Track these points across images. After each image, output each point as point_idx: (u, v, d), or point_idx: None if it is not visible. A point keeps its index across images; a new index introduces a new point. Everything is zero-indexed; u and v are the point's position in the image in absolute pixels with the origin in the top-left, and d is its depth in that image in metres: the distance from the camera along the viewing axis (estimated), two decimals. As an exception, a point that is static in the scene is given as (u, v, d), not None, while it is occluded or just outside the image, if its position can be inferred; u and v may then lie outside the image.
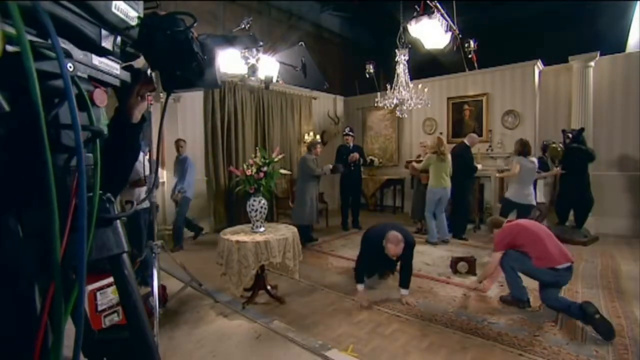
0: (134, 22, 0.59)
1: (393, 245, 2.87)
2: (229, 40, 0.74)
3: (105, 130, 0.62)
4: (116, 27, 0.56)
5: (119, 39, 0.60)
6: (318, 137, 7.31)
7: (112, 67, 0.61)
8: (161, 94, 0.75)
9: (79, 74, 0.52)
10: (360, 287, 3.09)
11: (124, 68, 0.65)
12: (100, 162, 0.56)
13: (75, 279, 0.50)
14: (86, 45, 0.54)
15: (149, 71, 0.71)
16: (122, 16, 0.56)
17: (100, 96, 0.57)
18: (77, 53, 0.53)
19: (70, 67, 0.49)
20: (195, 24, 0.64)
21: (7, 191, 0.49)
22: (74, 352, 0.49)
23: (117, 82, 0.63)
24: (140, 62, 0.70)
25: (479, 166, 5.43)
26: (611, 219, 5.34)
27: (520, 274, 2.88)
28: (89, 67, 0.55)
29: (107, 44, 0.57)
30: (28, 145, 0.47)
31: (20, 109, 0.46)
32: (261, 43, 0.84)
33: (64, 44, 0.50)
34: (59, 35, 0.47)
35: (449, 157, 4.94)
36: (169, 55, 0.64)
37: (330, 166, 5.19)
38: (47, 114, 0.48)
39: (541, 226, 3.00)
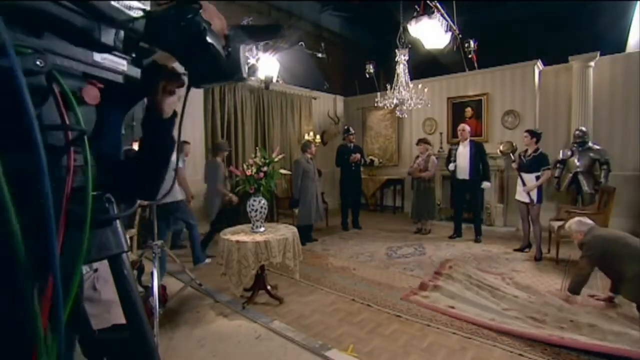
0: (136, 14, 0.55)
1: None
2: (250, 32, 0.70)
3: (87, 128, 0.56)
4: (114, 19, 0.53)
5: (121, 33, 0.57)
6: (318, 137, 7.31)
7: (117, 63, 0.58)
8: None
9: (68, 70, 0.50)
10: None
11: (135, 64, 0.62)
12: (91, 161, 0.53)
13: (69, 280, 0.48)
14: (82, 42, 0.52)
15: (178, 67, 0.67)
16: (121, 8, 0.53)
17: (91, 93, 0.54)
18: (72, 49, 0.51)
19: (40, 63, 0.45)
20: (200, 10, 0.57)
21: None
22: None
23: (119, 79, 0.60)
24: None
25: (451, 166, 5.18)
26: (609, 218, 5.32)
27: None
28: (83, 64, 0.53)
29: (107, 39, 0.54)
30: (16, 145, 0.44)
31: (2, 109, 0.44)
32: (285, 31, 0.77)
33: (47, 40, 0.47)
34: (44, 31, 0.46)
35: None
36: (181, 49, 0.59)
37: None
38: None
39: None
